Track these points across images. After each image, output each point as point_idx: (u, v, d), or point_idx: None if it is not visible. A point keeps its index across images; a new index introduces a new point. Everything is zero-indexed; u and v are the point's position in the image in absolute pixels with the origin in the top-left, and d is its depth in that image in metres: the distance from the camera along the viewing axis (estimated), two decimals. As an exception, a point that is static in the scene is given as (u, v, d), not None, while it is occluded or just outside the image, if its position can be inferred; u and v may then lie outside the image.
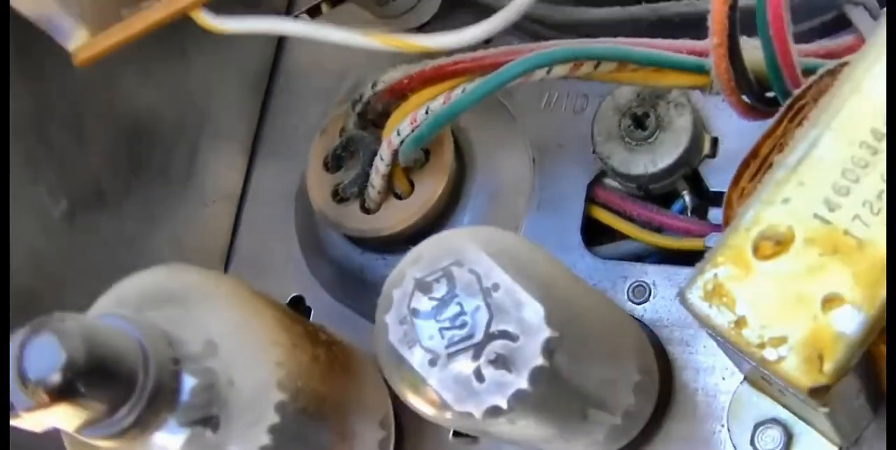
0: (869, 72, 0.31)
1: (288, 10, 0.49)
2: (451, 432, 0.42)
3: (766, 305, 0.30)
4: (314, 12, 0.49)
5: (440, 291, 0.31)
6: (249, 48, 0.48)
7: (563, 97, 0.44)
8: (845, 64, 0.33)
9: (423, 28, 0.46)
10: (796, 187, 0.31)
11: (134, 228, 0.43)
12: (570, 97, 0.44)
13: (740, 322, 0.30)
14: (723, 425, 0.39)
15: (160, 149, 0.44)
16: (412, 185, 0.42)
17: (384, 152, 0.40)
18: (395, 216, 0.41)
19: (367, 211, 0.42)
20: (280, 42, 0.49)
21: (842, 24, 0.40)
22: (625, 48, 0.36)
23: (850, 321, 0.30)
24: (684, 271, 0.40)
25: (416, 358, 0.31)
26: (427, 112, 0.38)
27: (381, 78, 0.40)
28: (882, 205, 0.30)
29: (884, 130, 0.31)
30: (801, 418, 0.38)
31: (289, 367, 0.33)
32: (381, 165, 0.40)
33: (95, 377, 0.30)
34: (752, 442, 0.38)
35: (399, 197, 0.41)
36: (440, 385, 0.31)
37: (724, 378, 0.39)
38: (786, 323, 0.30)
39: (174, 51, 0.44)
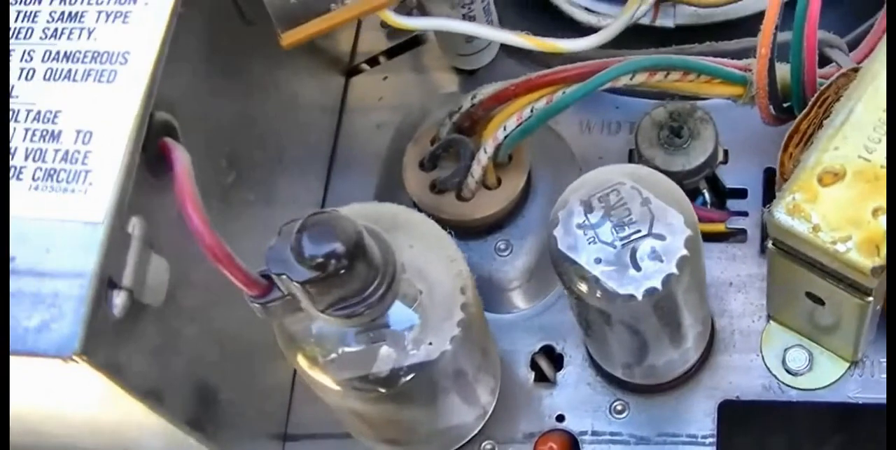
0: (882, 64, 0.46)
1: (350, 61, 0.61)
2: (533, 377, 0.53)
3: (832, 216, 0.43)
4: (373, 63, 0.62)
5: (610, 201, 0.43)
6: (327, 85, 0.60)
7: (595, 123, 0.57)
8: (856, 69, 0.47)
9: (473, 73, 0.59)
10: (842, 140, 0.45)
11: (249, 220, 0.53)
12: (602, 123, 0.57)
13: (816, 228, 0.43)
14: (758, 355, 0.51)
15: (267, 161, 0.55)
16: (499, 181, 0.54)
17: (489, 146, 0.52)
18: (487, 204, 0.53)
19: (462, 200, 0.53)
20: (347, 82, 0.61)
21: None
22: (693, 60, 0.50)
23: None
24: (709, 245, 0.53)
25: (583, 259, 0.43)
26: (532, 111, 0.51)
27: (479, 92, 0.53)
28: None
29: (900, 103, 0.45)
30: (820, 342, 0.51)
31: (464, 277, 0.44)
32: (483, 158, 0.52)
33: (359, 258, 0.40)
34: (783, 363, 0.51)
35: (489, 189, 0.54)
36: (607, 276, 0.43)
37: (753, 322, 0.52)
38: (848, 226, 0.43)
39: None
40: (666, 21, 0.56)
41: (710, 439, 0.50)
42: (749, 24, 0.54)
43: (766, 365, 0.51)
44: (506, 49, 0.58)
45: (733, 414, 0.50)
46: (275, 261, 0.40)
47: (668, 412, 0.51)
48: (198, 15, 0.45)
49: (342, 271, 0.39)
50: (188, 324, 0.46)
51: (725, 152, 0.55)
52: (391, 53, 0.61)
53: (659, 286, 0.42)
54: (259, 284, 0.41)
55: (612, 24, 0.51)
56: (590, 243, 0.43)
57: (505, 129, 0.51)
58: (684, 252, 0.42)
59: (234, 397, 0.49)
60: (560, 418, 0.52)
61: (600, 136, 0.56)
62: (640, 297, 0.42)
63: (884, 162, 0.44)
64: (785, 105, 0.51)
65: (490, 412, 0.51)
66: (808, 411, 0.50)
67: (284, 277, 0.39)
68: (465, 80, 0.59)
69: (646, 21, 0.55)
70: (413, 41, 0.61)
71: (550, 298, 0.54)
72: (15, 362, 0.40)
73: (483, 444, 0.52)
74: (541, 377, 0.53)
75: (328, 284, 0.40)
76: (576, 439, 0.51)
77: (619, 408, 0.51)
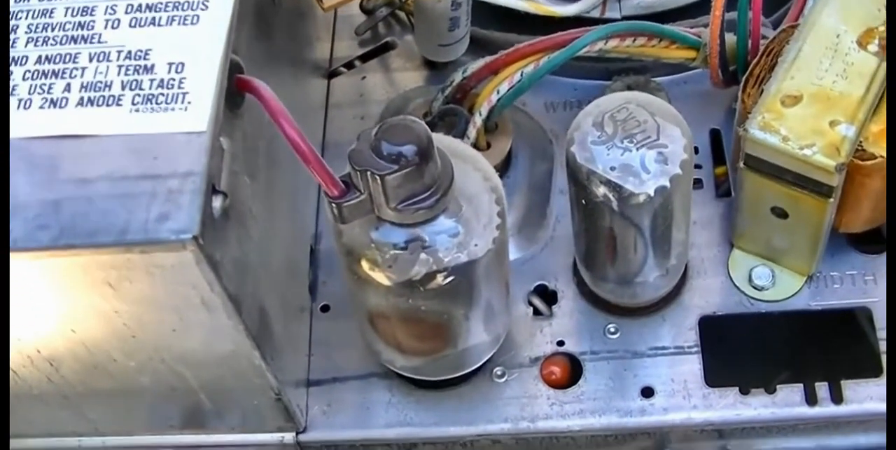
0: (820, 12, 0.57)
1: (329, 66, 0.71)
2: (531, 312, 0.61)
3: (797, 129, 0.54)
4: (349, 67, 0.71)
5: (620, 116, 0.53)
6: (312, 87, 0.69)
7: (558, 104, 0.68)
8: (793, 26, 0.59)
9: (444, 67, 0.69)
10: (797, 71, 0.56)
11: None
12: (564, 103, 0.67)
13: (785, 138, 0.54)
14: (727, 277, 0.61)
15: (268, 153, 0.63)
16: (488, 145, 0.63)
17: (483, 109, 0.61)
18: (482, 163, 0.62)
19: (456, 161, 0.63)
20: (329, 83, 0.70)
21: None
22: (657, 25, 0.61)
23: (847, 130, 0.54)
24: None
25: (600, 167, 0.52)
26: (522, 75, 0.61)
27: (469, 66, 0.62)
28: (845, 74, 0.56)
29: (836, 40, 0.57)
30: (779, 262, 0.61)
31: (498, 191, 0.53)
32: (479, 120, 0.62)
33: (429, 155, 0.48)
34: (749, 281, 0.61)
35: (480, 151, 0.63)
36: (621, 179, 0.52)
37: (718, 251, 0.62)
38: (812, 136, 0.54)
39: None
40: (613, 14, 0.67)
41: (695, 348, 0.59)
42: (688, 12, 0.66)
43: (734, 284, 0.61)
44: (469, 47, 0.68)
45: (712, 326, 0.60)
46: (358, 159, 0.48)
47: (656, 329, 0.60)
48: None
49: (416, 166, 0.48)
50: (253, 251, 0.53)
51: (677, 118, 0.66)
52: (364, 58, 0.71)
53: (667, 184, 0.52)
54: (339, 185, 0.49)
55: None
56: (605, 154, 0.52)
57: (498, 93, 0.61)
58: (685, 156, 0.52)
59: (279, 327, 0.56)
60: (560, 343, 0.60)
61: (563, 113, 0.67)
62: (651, 193, 0.52)
63: (832, 85, 0.55)
64: (731, 69, 0.62)
65: (502, 341, 0.59)
66: (774, 319, 0.60)
67: (368, 172, 0.48)
68: (433, 76, 0.69)
69: (595, 14, 0.66)
70: (384, 47, 0.71)
71: (538, 246, 0.63)
72: (123, 260, 0.47)
73: (494, 370, 0.60)
74: (537, 313, 0.61)
75: (403, 178, 0.48)
76: (577, 359, 0.60)
77: (612, 330, 0.60)
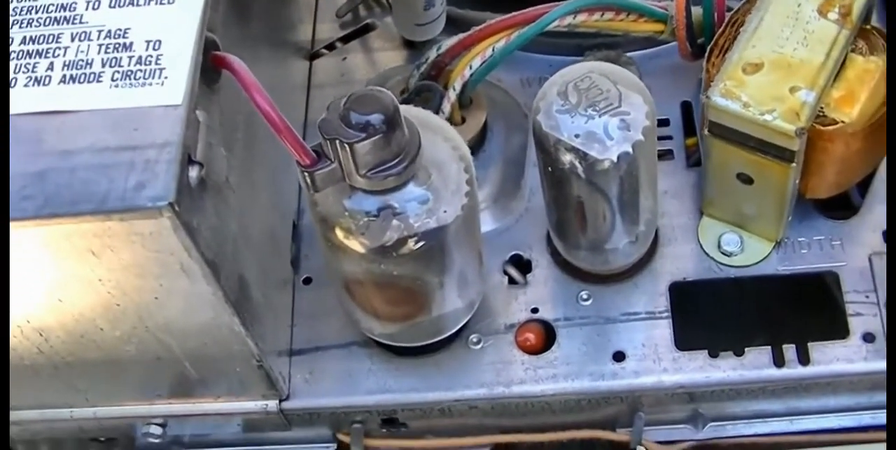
0: (781, -15, 0.61)
1: (311, 48, 0.74)
2: (507, 280, 0.65)
3: (758, 95, 0.57)
4: (331, 48, 0.74)
5: (584, 85, 0.56)
6: (294, 69, 0.72)
7: (534, 80, 0.71)
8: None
9: (421, 46, 0.72)
10: (758, 40, 0.59)
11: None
12: (538, 79, 0.70)
13: (746, 105, 0.57)
14: (697, 244, 0.64)
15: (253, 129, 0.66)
16: (463, 119, 0.67)
17: (457, 84, 0.65)
18: (455, 137, 0.65)
19: (434, 135, 0.66)
20: (311, 64, 0.73)
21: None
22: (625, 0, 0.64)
23: (807, 96, 0.57)
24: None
25: (565, 135, 0.55)
26: (493, 50, 0.64)
27: (443, 43, 0.66)
28: (806, 42, 0.59)
29: (797, 9, 0.60)
30: (748, 228, 0.64)
31: (466, 159, 0.56)
32: (452, 95, 0.65)
33: (396, 123, 0.51)
34: (718, 247, 0.64)
35: (455, 125, 0.66)
36: (585, 146, 0.55)
37: (689, 219, 0.65)
38: (772, 102, 0.57)
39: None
40: (586, -9, 0.70)
41: (666, 314, 0.63)
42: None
43: (704, 251, 0.64)
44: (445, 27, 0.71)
45: (682, 292, 0.63)
46: (328, 128, 0.51)
47: (628, 296, 0.63)
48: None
49: (383, 134, 0.51)
50: (231, 221, 0.56)
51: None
52: (346, 39, 0.74)
53: (630, 150, 0.55)
54: (310, 155, 0.52)
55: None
56: (570, 122, 0.55)
57: (471, 68, 0.64)
58: (647, 122, 0.55)
59: (259, 296, 0.59)
60: (535, 311, 0.63)
61: (538, 88, 0.69)
62: (615, 159, 0.55)
63: (792, 53, 0.58)
64: (699, 41, 0.65)
65: (476, 307, 0.62)
66: (743, 284, 0.63)
67: (337, 141, 0.51)
68: (411, 55, 0.72)
69: (567, -8, 0.69)
70: (364, 28, 0.74)
71: (513, 217, 0.66)
72: (103, 228, 0.50)
73: (470, 337, 0.63)
74: (512, 282, 0.65)
75: (372, 146, 0.51)
76: (551, 326, 0.63)
77: (584, 296, 0.63)
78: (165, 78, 0.52)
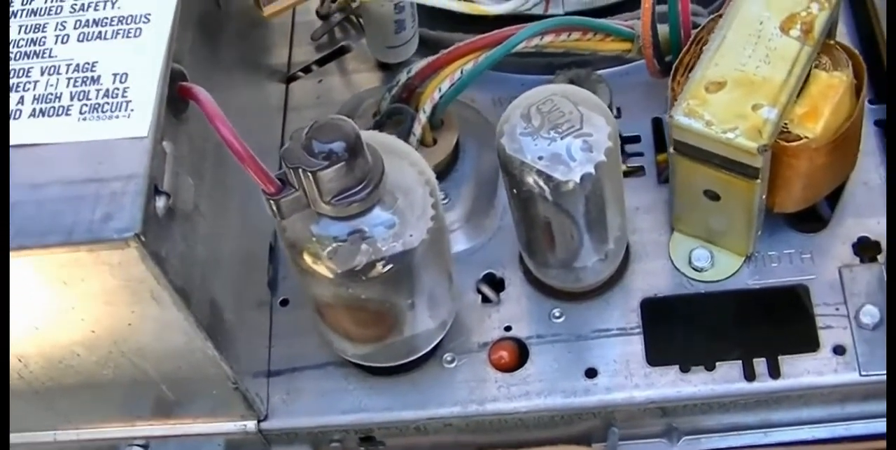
0: (744, 1, 0.61)
1: (288, 71, 0.75)
2: (480, 299, 0.66)
3: (720, 114, 0.58)
4: (307, 71, 0.76)
5: (546, 108, 0.57)
6: (270, 92, 0.74)
7: (505, 99, 0.71)
8: (721, 15, 0.63)
9: (395, 67, 0.73)
10: (721, 58, 0.60)
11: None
12: (510, 98, 0.71)
13: (709, 123, 0.58)
14: (667, 260, 0.65)
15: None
16: (434, 141, 0.68)
17: (427, 106, 0.66)
18: (426, 159, 0.66)
19: (406, 157, 0.67)
20: (287, 87, 0.75)
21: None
22: (590, 20, 0.65)
23: (769, 113, 0.58)
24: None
25: (529, 157, 0.57)
26: (461, 73, 0.65)
27: (413, 66, 0.67)
28: (768, 59, 0.60)
29: (759, 27, 0.61)
30: (718, 243, 0.65)
31: (431, 184, 0.58)
32: (423, 117, 0.66)
33: (358, 151, 0.52)
34: (689, 263, 0.65)
35: (427, 146, 0.67)
36: (549, 168, 0.56)
37: (660, 235, 0.66)
38: (735, 120, 0.58)
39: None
40: (556, 10, 0.71)
41: (637, 330, 0.64)
42: (627, 6, 0.70)
43: (675, 266, 0.65)
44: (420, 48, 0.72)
45: (653, 308, 0.64)
46: (290, 157, 0.53)
47: (599, 312, 0.64)
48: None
49: (346, 161, 0.52)
50: (200, 247, 0.58)
51: (618, 109, 0.70)
52: (321, 62, 0.75)
53: (592, 171, 0.56)
54: (275, 183, 0.53)
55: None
56: (533, 145, 0.56)
57: (440, 90, 0.65)
58: (609, 143, 0.56)
59: (232, 319, 0.61)
60: (508, 329, 0.65)
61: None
62: (577, 180, 0.56)
63: (755, 70, 0.59)
64: (667, 59, 0.66)
65: (448, 327, 0.63)
66: (714, 299, 0.64)
67: (300, 169, 0.52)
68: (386, 77, 0.74)
69: (539, 11, 0.70)
70: (339, 51, 0.76)
71: (486, 236, 0.68)
72: (72, 259, 0.51)
73: (444, 356, 0.64)
74: (486, 300, 0.66)
75: (334, 174, 0.52)
76: (523, 343, 0.64)
77: (557, 314, 0.65)
78: (132, 110, 0.53)
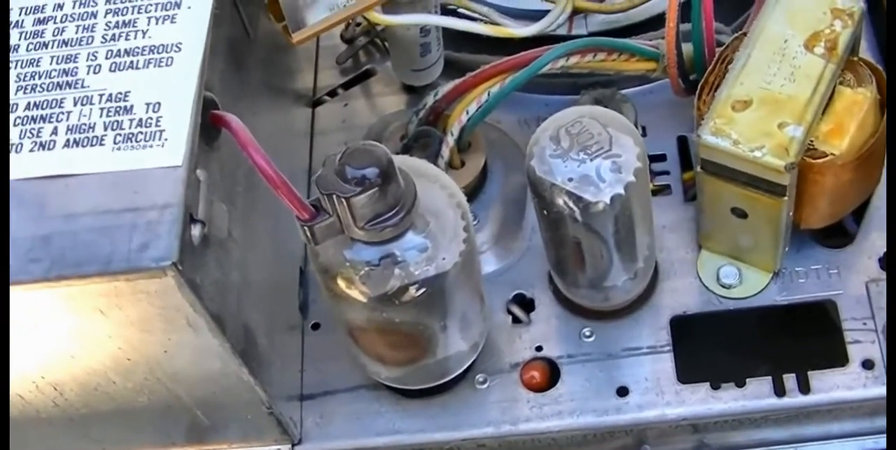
0: (768, 19, 0.61)
1: (313, 95, 0.75)
2: (510, 319, 0.66)
3: (747, 132, 0.58)
4: (332, 95, 0.76)
5: (575, 130, 0.57)
6: (296, 116, 0.74)
7: (531, 120, 0.72)
8: (745, 33, 0.63)
9: (420, 90, 0.73)
10: (746, 77, 0.60)
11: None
12: (536, 118, 0.71)
13: (736, 142, 0.58)
14: (695, 277, 0.65)
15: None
16: (462, 163, 0.68)
17: (455, 129, 0.66)
18: (456, 181, 0.66)
19: (434, 180, 0.67)
20: (313, 111, 0.75)
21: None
22: (615, 40, 0.65)
23: (794, 131, 0.58)
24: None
25: (559, 179, 0.56)
26: (489, 95, 0.65)
27: (439, 89, 0.67)
28: (793, 77, 0.59)
29: (784, 45, 0.61)
30: (745, 260, 0.65)
31: (463, 207, 0.57)
32: (451, 140, 0.66)
33: (391, 176, 0.52)
34: (717, 280, 0.65)
35: (455, 169, 0.67)
36: (579, 190, 0.56)
37: (687, 253, 0.66)
38: (761, 138, 0.58)
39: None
40: (580, 30, 0.71)
41: (667, 347, 0.63)
42: (652, 25, 0.70)
43: (703, 284, 0.65)
44: (444, 70, 0.72)
45: (683, 325, 0.64)
46: (324, 183, 0.52)
47: (629, 331, 0.64)
48: (225, 18, 0.59)
49: (379, 187, 0.52)
50: (234, 273, 0.57)
51: (643, 128, 0.70)
52: (347, 86, 0.75)
53: (622, 192, 0.56)
54: (308, 209, 0.53)
55: (552, 12, 0.66)
56: (563, 166, 0.56)
57: (468, 113, 0.65)
58: (638, 164, 0.56)
59: (265, 344, 0.61)
60: (539, 349, 0.64)
61: (536, 128, 0.70)
62: (607, 201, 0.56)
63: (780, 89, 0.59)
64: (691, 78, 0.66)
65: (480, 348, 0.63)
66: (743, 316, 0.64)
67: (334, 196, 0.52)
68: (411, 99, 0.74)
69: (563, 32, 0.70)
70: (364, 74, 0.76)
71: (515, 256, 0.67)
72: (110, 288, 0.51)
73: (476, 377, 0.64)
74: (516, 321, 0.66)
75: (368, 199, 0.52)
76: (555, 363, 0.64)
77: (587, 333, 0.64)
78: (166, 140, 0.53)
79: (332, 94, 0.76)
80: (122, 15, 0.57)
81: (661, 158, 0.69)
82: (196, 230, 0.53)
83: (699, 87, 0.62)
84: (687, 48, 0.65)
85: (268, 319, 0.62)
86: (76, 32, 0.57)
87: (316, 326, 0.67)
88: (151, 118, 0.54)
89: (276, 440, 0.63)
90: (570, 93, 0.71)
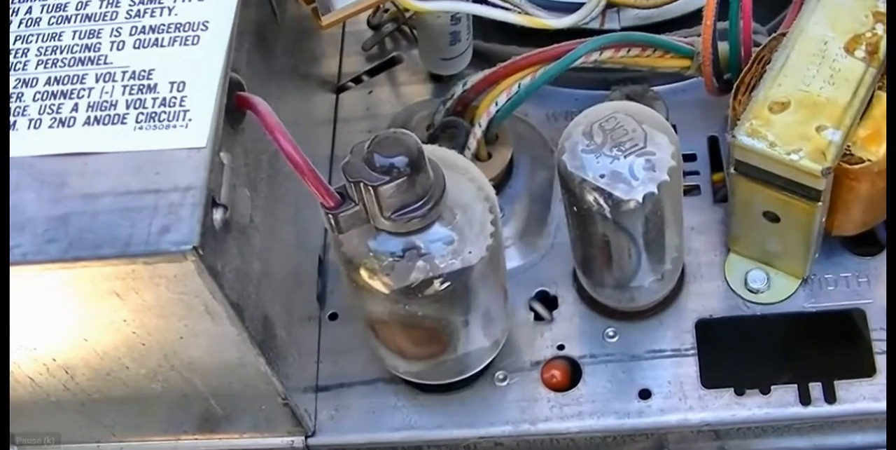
0: (808, 20, 0.59)
1: (338, 81, 0.73)
2: (533, 317, 0.63)
3: (784, 135, 0.56)
4: (357, 81, 0.73)
5: (609, 126, 0.54)
6: (320, 103, 0.71)
7: (560, 114, 0.69)
8: (783, 34, 0.61)
9: (448, 80, 0.71)
10: (784, 78, 0.58)
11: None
12: (565, 113, 0.69)
13: (772, 144, 0.56)
14: (723, 281, 0.63)
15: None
16: (489, 155, 0.65)
17: (483, 120, 0.63)
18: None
19: (460, 172, 0.65)
20: (337, 98, 0.72)
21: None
22: (650, 35, 0.63)
23: (833, 135, 0.56)
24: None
25: (591, 175, 0.54)
26: (519, 87, 0.63)
27: (468, 79, 0.64)
28: (832, 80, 0.57)
29: (823, 47, 0.58)
30: (774, 265, 0.62)
31: (491, 200, 0.55)
32: (478, 131, 0.64)
33: (420, 166, 0.50)
34: (745, 284, 0.63)
35: (481, 161, 0.65)
36: (610, 187, 0.54)
37: (715, 256, 0.64)
38: (798, 141, 0.56)
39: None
40: (612, 25, 0.69)
41: (692, 351, 0.61)
42: (686, 22, 0.67)
43: (730, 288, 0.63)
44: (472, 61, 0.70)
45: (708, 329, 0.62)
46: (351, 171, 0.50)
47: (653, 333, 0.62)
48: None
49: (407, 176, 0.50)
50: (255, 261, 0.55)
51: (674, 126, 0.67)
52: (372, 73, 0.73)
53: (655, 190, 0.54)
54: (334, 197, 0.51)
55: (587, 4, 0.64)
56: (595, 162, 0.54)
57: (497, 104, 0.63)
58: (673, 163, 0.54)
59: (283, 335, 0.58)
60: (561, 347, 0.62)
61: (565, 123, 0.66)
62: (639, 200, 0.54)
63: (819, 91, 0.57)
64: (725, 77, 0.64)
65: (501, 345, 0.61)
66: (769, 322, 0.62)
67: (361, 184, 0.50)
68: (437, 89, 0.71)
69: (595, 25, 0.68)
70: (390, 62, 0.74)
71: (539, 253, 0.65)
72: (128, 271, 0.49)
73: (496, 374, 0.62)
74: (538, 319, 0.63)
75: (396, 189, 0.50)
76: (577, 363, 0.62)
77: (610, 334, 0.62)
78: (189, 120, 0.51)
79: (357, 81, 0.73)
80: (149, -9, 0.55)
81: (692, 157, 0.67)
82: (218, 214, 0.50)
83: (735, 86, 0.60)
84: (722, 47, 0.63)
85: (286, 308, 0.60)
86: (100, 7, 0.55)
87: (333, 317, 0.65)
88: (175, 98, 0.52)
89: (290, 432, 0.61)
90: (601, 88, 0.68)
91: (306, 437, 0.61)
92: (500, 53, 0.67)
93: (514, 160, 0.67)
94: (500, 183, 0.66)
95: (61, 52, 0.54)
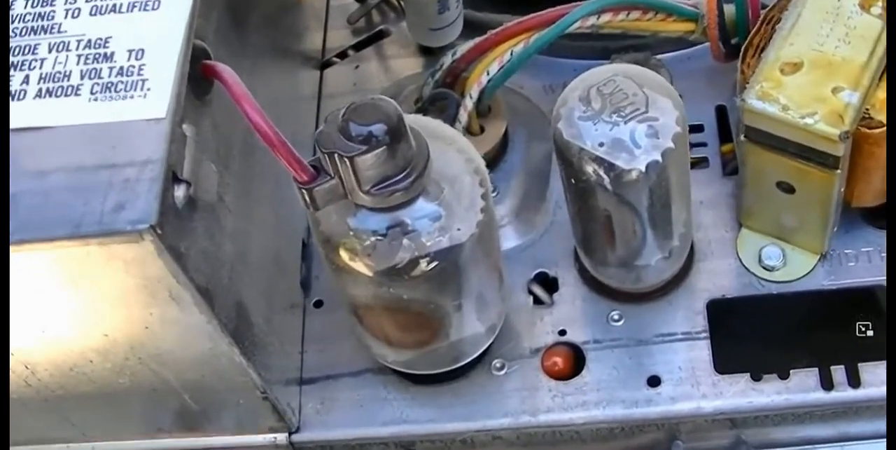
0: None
1: (322, 56, 0.68)
2: (532, 300, 0.58)
3: (797, 97, 0.51)
4: (343, 56, 0.68)
5: (607, 90, 0.49)
6: (303, 79, 0.66)
7: (557, 86, 0.64)
8: (793, -6, 0.56)
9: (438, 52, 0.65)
10: (796, 37, 0.52)
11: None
12: (563, 84, 0.64)
13: (785, 107, 0.51)
14: (735, 258, 0.58)
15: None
16: (482, 129, 0.60)
17: (473, 91, 0.58)
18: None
19: (450, 146, 0.59)
20: (322, 74, 0.67)
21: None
22: (651, -2, 0.57)
23: (850, 97, 0.51)
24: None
25: (588, 144, 0.49)
26: (511, 55, 0.57)
27: (458, 48, 0.59)
28: (848, 38, 0.52)
29: (837, 4, 0.53)
30: (790, 240, 0.57)
31: (481, 172, 0.50)
32: (469, 103, 0.59)
33: (400, 135, 0.45)
34: (759, 261, 0.57)
35: (473, 135, 0.60)
36: (610, 155, 0.49)
37: (726, 231, 0.59)
38: (813, 103, 0.51)
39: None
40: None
41: (704, 334, 0.56)
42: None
43: (744, 265, 0.58)
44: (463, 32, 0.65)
45: (721, 310, 0.57)
46: (325, 141, 0.45)
47: (662, 315, 0.57)
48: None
49: (387, 146, 0.45)
50: (227, 244, 0.50)
51: (680, 96, 0.62)
52: (358, 47, 0.68)
53: (659, 159, 0.48)
54: (308, 170, 0.46)
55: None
56: (593, 130, 0.49)
57: (488, 74, 0.58)
58: (677, 128, 0.49)
59: (261, 323, 0.53)
60: (562, 333, 0.57)
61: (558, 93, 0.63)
62: (642, 169, 0.48)
63: (833, 50, 0.52)
64: (732, 41, 0.58)
65: (498, 331, 0.56)
66: (787, 301, 0.57)
67: (336, 154, 0.45)
68: (428, 62, 0.66)
69: (593, -9, 0.63)
70: (377, 35, 0.69)
71: (537, 232, 0.60)
72: (82, 254, 0.44)
73: (493, 362, 0.57)
74: (538, 302, 0.58)
75: (374, 159, 0.45)
76: (579, 349, 0.57)
77: (615, 317, 0.57)
78: (148, 90, 0.46)
79: (343, 55, 0.68)
80: (105, -46, 0.50)
81: (699, 128, 0.62)
82: (180, 191, 0.45)
83: (743, 49, 0.55)
84: (728, 9, 0.58)
85: (265, 295, 0.55)
86: (56, -26, 0.50)
87: (318, 304, 0.60)
88: (133, 66, 0.47)
89: (272, 428, 0.56)
90: (601, 57, 0.63)
91: (290, 433, 0.56)
92: (493, 23, 0.62)
93: (509, 134, 0.62)
94: (495, 158, 0.61)
95: (12, 22, 0.49)
